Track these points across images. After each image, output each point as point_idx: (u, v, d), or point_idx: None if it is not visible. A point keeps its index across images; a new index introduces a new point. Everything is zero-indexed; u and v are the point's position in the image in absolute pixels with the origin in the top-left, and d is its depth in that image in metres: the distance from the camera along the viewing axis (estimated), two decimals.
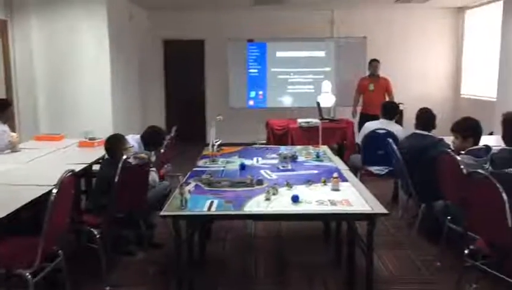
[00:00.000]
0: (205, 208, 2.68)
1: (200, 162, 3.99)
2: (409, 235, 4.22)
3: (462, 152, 3.49)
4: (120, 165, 3.18)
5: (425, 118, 4.23)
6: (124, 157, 3.27)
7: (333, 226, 3.96)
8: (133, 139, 4.19)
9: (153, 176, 3.76)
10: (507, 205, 2.49)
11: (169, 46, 9.56)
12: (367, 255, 2.68)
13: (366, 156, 4.99)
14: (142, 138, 4.29)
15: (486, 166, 2.73)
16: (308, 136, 6.21)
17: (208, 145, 4.46)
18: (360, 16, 9.03)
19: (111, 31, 6.83)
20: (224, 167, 3.83)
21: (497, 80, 7.11)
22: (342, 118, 7.20)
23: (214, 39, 9.30)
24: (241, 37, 8.93)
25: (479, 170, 2.71)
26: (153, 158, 4.34)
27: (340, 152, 6.63)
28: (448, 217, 3.51)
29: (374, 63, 7.41)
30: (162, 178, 4.18)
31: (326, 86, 8.09)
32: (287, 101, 8.94)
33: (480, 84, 8.47)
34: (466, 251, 2.94)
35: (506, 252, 2.58)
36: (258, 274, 3.55)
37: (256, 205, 2.75)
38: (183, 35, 9.31)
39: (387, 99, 6.96)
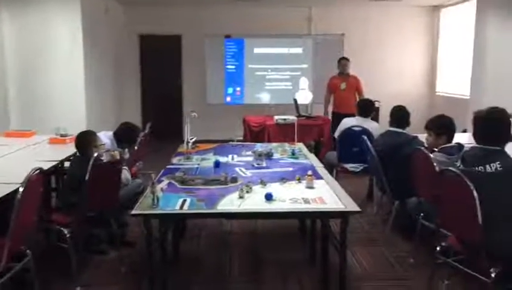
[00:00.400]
0: (177, 207, 2.64)
1: (175, 160, 3.94)
2: (383, 232, 4.25)
3: (436, 149, 3.52)
4: (91, 162, 3.10)
5: (400, 115, 4.25)
6: (95, 154, 3.19)
7: (308, 224, 3.96)
8: (105, 136, 4.11)
9: (125, 174, 3.69)
10: (477, 203, 2.52)
11: (146, 41, 9.42)
12: (340, 252, 2.68)
13: (342, 153, 5.01)
14: (115, 134, 4.21)
15: (458, 164, 2.75)
16: (285, 133, 6.21)
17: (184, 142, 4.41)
18: (337, 13, 9.05)
19: (85, 25, 6.69)
20: (198, 164, 3.79)
21: (470, 78, 7.22)
22: (319, 115, 7.22)
23: (191, 35, 9.21)
24: (219, 32, 8.87)
25: (451, 168, 2.73)
26: (126, 155, 4.27)
27: (316, 149, 6.66)
28: (421, 214, 3.54)
29: (343, 61, 7.15)
30: (134, 176, 4.11)
31: (304, 83, 8.11)
32: (264, 97, 8.91)
33: (454, 82, 8.60)
34: (438, 248, 2.97)
35: (476, 249, 2.61)
36: (232, 272, 3.53)
37: (230, 203, 2.73)
38: (160, 31, 9.18)
39: (357, 98, 6.84)
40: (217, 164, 3.72)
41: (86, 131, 3.69)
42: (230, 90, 8.94)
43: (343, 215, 2.62)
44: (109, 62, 8.16)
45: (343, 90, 6.99)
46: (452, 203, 2.77)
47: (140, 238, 3.85)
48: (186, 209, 2.62)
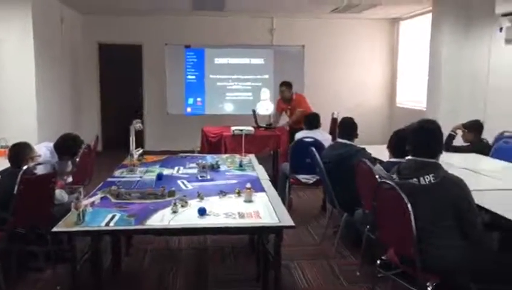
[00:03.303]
0: (103, 223, 2.51)
1: (117, 172, 3.81)
2: (333, 244, 4.20)
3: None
4: (20, 175, 2.95)
5: (347, 127, 4.23)
6: (25, 167, 3.04)
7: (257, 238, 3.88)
8: (46, 148, 3.95)
9: (60, 193, 3.52)
10: (412, 215, 2.49)
11: (106, 50, 9.25)
12: (275, 269, 2.60)
13: (294, 164, 4.96)
14: (55, 146, 4.05)
15: (394, 176, 2.72)
16: (241, 144, 6.11)
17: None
18: (298, 24, 9.09)
19: (37, 32, 6.49)
20: (141, 177, 3.67)
21: (427, 90, 7.32)
22: (278, 125, 7.17)
23: (152, 44, 9.10)
24: (179, 42, 8.78)
25: (387, 180, 2.70)
26: (69, 168, 4.11)
27: (274, 160, 6.62)
28: (367, 227, 3.51)
29: (281, 88, 6.82)
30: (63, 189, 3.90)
31: (265, 93, 8.09)
32: (225, 108, 8.85)
33: (413, 94, 8.72)
34: (378, 262, 2.94)
35: (412, 262, 2.57)
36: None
37: (161, 218, 2.62)
38: (121, 40, 9.03)
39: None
40: (160, 177, 3.61)
41: (19, 142, 3.52)
42: (190, 100, 8.85)
43: (277, 230, 2.55)
44: (66, 71, 7.95)
45: (289, 116, 6.89)
46: (388, 216, 2.74)
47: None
48: (112, 225, 2.49)
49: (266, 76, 8.87)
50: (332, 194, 4.00)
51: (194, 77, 8.84)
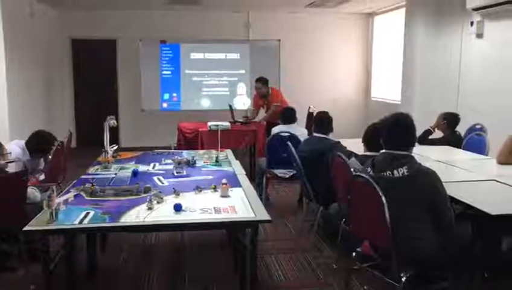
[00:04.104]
0: (77, 221, 2.47)
1: (91, 169, 3.75)
2: (309, 238, 4.23)
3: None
4: None
5: (322, 121, 4.25)
6: None
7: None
8: (17, 145, 3.87)
9: (33, 192, 3.45)
10: (386, 208, 2.52)
11: (79, 45, 9.08)
12: (251, 263, 2.60)
13: (271, 159, 4.97)
14: (26, 144, 3.96)
15: (369, 170, 2.75)
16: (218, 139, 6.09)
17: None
18: (274, 19, 9.09)
19: (6, 28, 6.31)
20: (116, 174, 3.62)
21: (401, 83, 7.42)
22: (254, 120, 7.17)
23: (127, 39, 8.98)
24: (155, 37, 8.70)
25: (361, 173, 2.73)
26: (41, 165, 4.03)
27: (251, 155, 6.63)
28: (343, 220, 3.54)
29: (256, 84, 6.84)
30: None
31: (241, 88, 8.07)
32: (202, 103, 8.81)
33: (387, 87, 8.82)
34: (354, 254, 2.97)
35: (387, 254, 2.61)
36: (150, 288, 3.37)
37: (136, 215, 2.59)
38: (95, 35, 8.88)
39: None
40: (135, 173, 3.57)
41: None
42: (166, 96, 8.78)
43: (252, 225, 2.55)
44: (38, 67, 7.76)
45: (266, 111, 6.92)
46: (363, 209, 2.77)
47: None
48: (86, 223, 2.45)
49: (242, 71, 8.87)
50: (308, 188, 4.02)
51: (169, 72, 8.78)
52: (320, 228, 4.20)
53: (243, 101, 8.13)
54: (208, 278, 3.48)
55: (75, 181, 3.34)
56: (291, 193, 5.76)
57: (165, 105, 8.79)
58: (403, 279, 2.55)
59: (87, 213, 2.60)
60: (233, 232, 3.61)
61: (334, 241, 3.91)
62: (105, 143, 3.98)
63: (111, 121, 4.01)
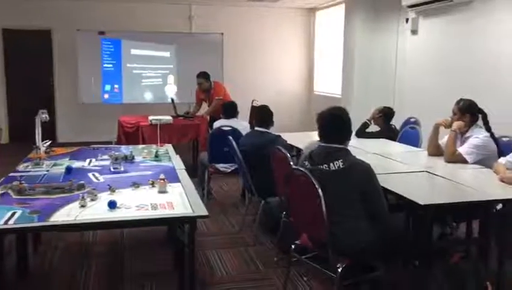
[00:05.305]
0: (1, 221, 2.33)
1: (21, 166, 3.55)
2: (251, 232, 4.24)
3: None
4: None
5: (263, 115, 4.26)
6: None
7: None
8: None
9: None
10: (322, 201, 2.56)
11: (11, 35, 8.60)
12: (190, 259, 2.56)
13: (213, 153, 4.93)
14: None
15: (306, 163, 2.79)
16: (160, 134, 5.98)
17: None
18: (217, 12, 9.02)
19: None
20: (47, 170, 3.45)
21: (341, 77, 7.59)
22: (197, 114, 7.10)
23: (63, 29, 8.60)
24: (93, 28, 8.38)
25: (298, 167, 2.76)
26: None
27: (194, 149, 6.56)
28: (283, 213, 3.57)
29: (198, 79, 6.74)
30: None
31: (170, 78, 8.13)
32: (145, 96, 8.63)
33: (330, 82, 9.00)
34: (292, 246, 3.00)
35: (324, 246, 2.65)
36: (87, 287, 3.26)
37: (67, 213, 2.48)
38: (27, 25, 8.44)
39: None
40: (69, 170, 3.42)
41: None
42: (108, 87, 8.51)
43: (190, 220, 2.51)
44: None
45: (208, 105, 6.87)
46: (300, 202, 2.80)
47: None
48: (11, 223, 2.32)
49: (185, 64, 8.73)
50: (249, 181, 4.03)
51: (111, 65, 8.51)
52: (262, 222, 4.21)
53: (171, 89, 8.21)
54: (146, 276, 3.40)
55: (2, 179, 3.15)
56: (235, 187, 5.76)
57: (106, 96, 8.51)
58: (339, 269, 2.61)
59: (14, 213, 2.44)
60: (172, 228, 3.56)
61: (275, 235, 3.94)
62: (37, 139, 3.80)
63: (43, 116, 3.82)
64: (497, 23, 5.03)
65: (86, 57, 8.42)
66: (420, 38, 6.23)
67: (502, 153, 3.57)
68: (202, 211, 2.55)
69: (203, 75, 6.74)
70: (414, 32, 6.27)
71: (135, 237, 4.12)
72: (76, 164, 3.63)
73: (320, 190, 2.56)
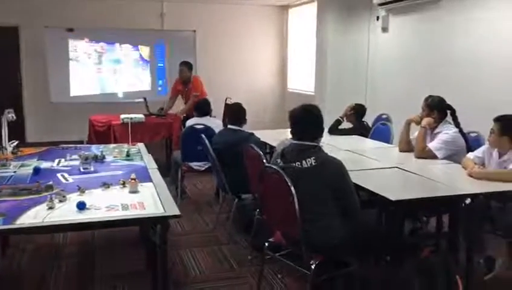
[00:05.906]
0: None
1: None
2: (225, 230, 4.23)
3: None
4: None
5: (235, 113, 4.25)
6: None
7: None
8: None
9: None
10: (295, 198, 2.56)
11: None
12: (162, 259, 2.53)
13: (186, 151, 4.89)
14: None
15: (279, 160, 2.78)
16: (132, 132, 5.89)
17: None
18: (189, 9, 8.91)
19: None
20: (14, 172, 3.36)
21: (314, 75, 7.63)
22: (171, 112, 7.02)
23: (30, 26, 8.34)
24: (61, 25, 8.19)
25: (271, 164, 2.75)
26: None
27: (167, 148, 6.50)
28: (257, 210, 3.57)
29: (180, 67, 6.64)
30: None
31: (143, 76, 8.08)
32: (118, 95, 8.51)
33: (303, 79, 9.03)
34: (266, 244, 3.00)
35: (297, 243, 2.66)
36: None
37: (34, 215, 2.41)
38: None
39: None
40: (37, 171, 3.33)
41: None
42: (76, 85, 8.35)
43: (161, 220, 2.48)
44: None
45: (184, 100, 6.79)
46: (273, 199, 2.80)
47: None
48: None
49: (158, 62, 8.64)
50: (223, 180, 4.01)
51: (80, 62, 8.35)
52: (236, 220, 4.20)
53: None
54: (118, 276, 3.36)
55: None
56: (209, 185, 5.73)
57: (75, 94, 8.35)
58: (313, 266, 2.62)
59: None
60: (144, 228, 3.51)
61: (249, 233, 3.93)
62: (3, 139, 3.69)
63: (9, 115, 3.71)
64: (464, 21, 5.13)
65: (55, 55, 8.23)
66: (390, 36, 6.32)
67: (470, 148, 3.65)
68: (174, 210, 2.52)
69: (186, 64, 6.64)
70: (385, 29, 6.35)
71: (107, 238, 4.06)
72: (45, 165, 3.55)
73: (292, 188, 2.57)
